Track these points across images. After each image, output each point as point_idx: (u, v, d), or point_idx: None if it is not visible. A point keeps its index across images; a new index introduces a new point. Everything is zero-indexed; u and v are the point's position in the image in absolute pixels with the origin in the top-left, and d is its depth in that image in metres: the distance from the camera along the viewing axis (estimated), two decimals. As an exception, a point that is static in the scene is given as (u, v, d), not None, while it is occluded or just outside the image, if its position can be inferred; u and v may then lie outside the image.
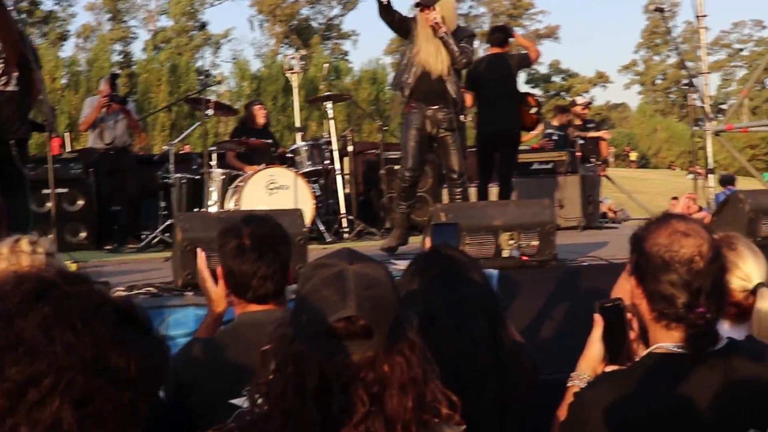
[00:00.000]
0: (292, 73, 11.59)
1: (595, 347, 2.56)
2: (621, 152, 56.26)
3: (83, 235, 10.07)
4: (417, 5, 7.59)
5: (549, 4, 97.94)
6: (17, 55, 7.06)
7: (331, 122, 9.91)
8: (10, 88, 7.09)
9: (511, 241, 5.92)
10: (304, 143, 10.07)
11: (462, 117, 7.83)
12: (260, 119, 10.81)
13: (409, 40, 7.69)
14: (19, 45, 7.10)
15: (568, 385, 2.59)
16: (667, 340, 2.40)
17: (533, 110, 9.85)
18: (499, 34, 9.99)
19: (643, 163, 62.04)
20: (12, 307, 1.19)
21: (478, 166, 9.93)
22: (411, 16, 7.74)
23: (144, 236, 9.65)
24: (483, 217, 6.01)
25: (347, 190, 10.56)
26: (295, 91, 11.77)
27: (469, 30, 8.11)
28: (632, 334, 2.52)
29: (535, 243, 5.95)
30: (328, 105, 10.01)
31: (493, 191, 10.25)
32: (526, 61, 10.22)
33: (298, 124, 11.96)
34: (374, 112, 36.27)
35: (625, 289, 2.55)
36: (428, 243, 3.62)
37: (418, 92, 7.64)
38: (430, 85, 7.57)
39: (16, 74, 7.07)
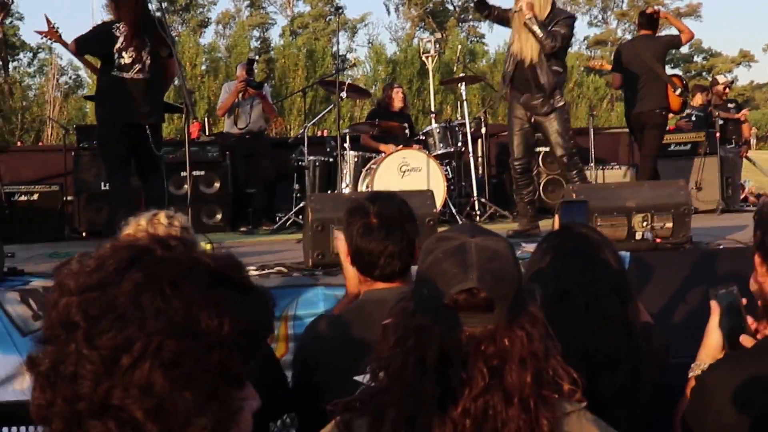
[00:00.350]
0: (428, 56, 11.55)
1: (713, 336, 2.50)
2: (765, 134, 54.54)
3: (219, 216, 10.26)
4: None
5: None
6: (144, 42, 7.37)
7: (464, 104, 9.85)
8: (142, 76, 7.37)
9: (645, 223, 5.80)
10: (436, 125, 10.05)
11: (559, 99, 7.79)
12: (398, 102, 10.86)
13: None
14: (146, 32, 7.39)
15: (689, 375, 2.53)
16: None
17: (678, 91, 9.71)
18: (645, 18, 10.03)
19: (789, 145, 60.20)
20: (106, 276, 1.22)
21: (639, 146, 10.17)
22: (510, 7, 7.88)
23: (278, 218, 9.79)
24: (616, 198, 5.90)
25: (480, 173, 10.53)
26: (431, 75, 11.75)
27: (566, 12, 8.16)
28: (750, 320, 2.45)
29: (669, 225, 5.81)
30: (462, 87, 9.96)
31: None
32: (675, 43, 10.08)
33: (433, 107, 11.96)
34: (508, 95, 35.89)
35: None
36: (557, 221, 3.56)
37: (515, 81, 7.87)
38: (523, 73, 7.73)
39: (148, 62, 7.35)
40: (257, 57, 11.76)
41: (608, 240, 2.97)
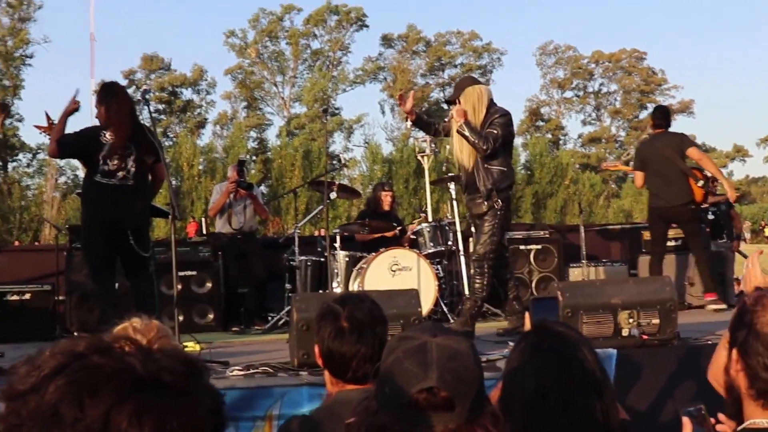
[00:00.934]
0: (423, 155, 11.64)
1: None
2: (758, 227, 54.65)
3: (211, 316, 10.24)
4: (446, 103, 8.20)
5: (682, 79, 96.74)
6: (129, 150, 7.43)
7: (454, 203, 9.92)
8: (126, 183, 7.42)
9: (631, 320, 5.81)
10: (427, 225, 10.10)
11: (494, 202, 7.77)
12: (386, 204, 10.94)
13: None
14: (133, 139, 7.48)
15: None
16: (762, 417, 2.32)
17: (700, 183, 9.96)
18: (661, 114, 10.37)
19: (783, 239, 60.27)
20: (36, 382, 1.20)
21: (651, 240, 10.36)
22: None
23: (270, 318, 9.79)
24: (601, 294, 5.92)
25: (472, 271, 10.53)
26: (427, 174, 11.83)
27: (501, 110, 7.95)
28: (722, 417, 2.48)
29: (656, 321, 5.82)
30: (452, 186, 10.04)
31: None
32: (688, 142, 10.20)
33: (429, 206, 12.03)
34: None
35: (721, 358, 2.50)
36: (527, 319, 3.58)
37: (464, 185, 8.07)
38: (466, 177, 7.95)
39: (133, 170, 7.40)
40: (247, 158, 11.81)
41: (585, 338, 2.97)
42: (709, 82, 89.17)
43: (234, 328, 9.91)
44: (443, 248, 9.94)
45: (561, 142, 63.66)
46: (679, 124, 60.55)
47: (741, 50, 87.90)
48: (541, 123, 64.08)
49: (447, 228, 10.07)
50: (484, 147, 7.60)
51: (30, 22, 52.55)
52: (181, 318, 9.62)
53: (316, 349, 3.29)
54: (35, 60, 52.20)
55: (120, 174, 7.39)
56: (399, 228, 10.68)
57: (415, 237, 10.23)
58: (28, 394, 1.19)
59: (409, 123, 8.34)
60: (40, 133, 7.99)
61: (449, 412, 1.85)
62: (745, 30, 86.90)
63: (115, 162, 7.37)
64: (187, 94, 57.73)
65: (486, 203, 7.72)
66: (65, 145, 7.54)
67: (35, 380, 1.21)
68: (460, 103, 7.76)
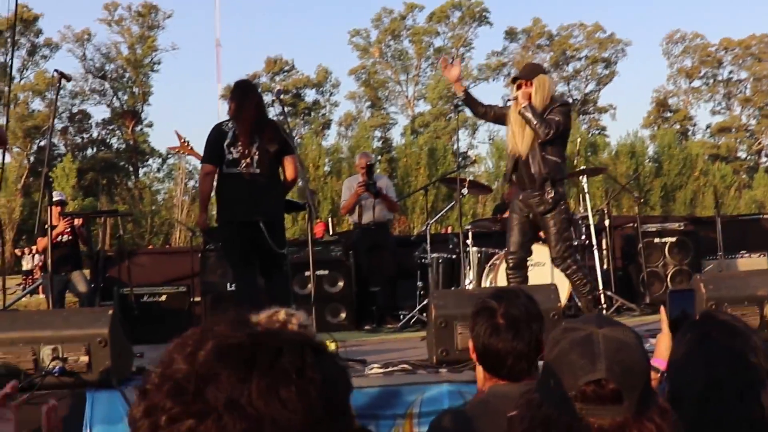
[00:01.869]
0: None
1: None
2: None
3: (343, 315, 10.26)
4: (513, 80, 7.78)
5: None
6: (252, 138, 7.55)
7: (587, 197, 9.75)
8: (251, 170, 7.52)
9: (779, 311, 5.59)
10: (560, 218, 9.97)
11: (551, 193, 7.52)
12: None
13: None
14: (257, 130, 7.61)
15: None
16: None
17: None
18: None
19: None
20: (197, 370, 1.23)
21: None
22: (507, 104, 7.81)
23: (402, 316, 9.77)
24: (746, 286, 5.70)
25: (605, 266, 10.36)
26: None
27: (562, 100, 7.84)
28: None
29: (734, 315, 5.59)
30: (584, 180, 9.88)
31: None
32: None
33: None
34: (632, 185, 35.61)
35: None
36: (663, 311, 3.45)
37: (516, 177, 7.77)
38: (520, 169, 7.66)
39: (257, 157, 7.49)
40: (373, 157, 11.72)
41: (751, 327, 2.87)
42: None
43: (366, 327, 9.92)
44: (577, 242, 9.79)
45: (690, 132, 62.31)
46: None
47: None
48: (668, 114, 62.83)
49: (580, 222, 9.92)
50: (546, 131, 7.36)
51: (158, 30, 53.91)
52: (313, 317, 9.75)
53: (470, 345, 3.24)
54: (163, 67, 53.44)
55: (244, 162, 7.52)
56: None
57: (547, 232, 10.11)
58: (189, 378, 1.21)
59: (460, 94, 7.80)
60: (174, 153, 8.21)
61: (618, 405, 1.79)
62: None
63: (239, 149, 7.51)
64: (311, 95, 58.43)
65: (544, 197, 7.50)
66: (206, 155, 7.77)
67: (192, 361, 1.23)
68: (528, 85, 7.51)
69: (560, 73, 62.25)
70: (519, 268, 7.84)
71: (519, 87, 7.56)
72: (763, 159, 62.06)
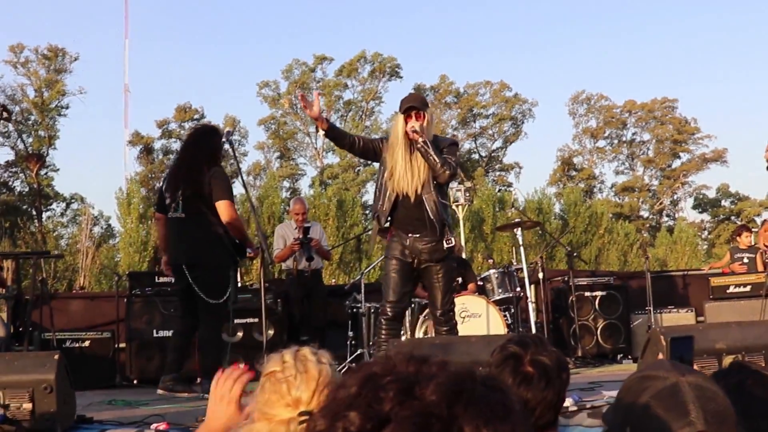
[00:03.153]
0: (458, 205, 11.50)
1: None
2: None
3: (273, 364, 10.07)
4: (405, 111, 6.88)
5: (714, 128, 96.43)
6: (176, 183, 7.72)
7: (521, 249, 9.75)
8: (177, 214, 7.67)
9: (737, 366, 5.58)
10: (494, 271, 9.94)
11: (450, 239, 6.96)
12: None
13: (381, 162, 7.09)
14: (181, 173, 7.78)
15: None
16: None
17: None
18: None
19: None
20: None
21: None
22: (377, 137, 7.42)
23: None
24: (705, 339, 5.69)
25: (538, 318, 10.36)
26: (461, 223, 11.68)
27: (449, 138, 7.39)
28: None
29: (761, 365, 5.59)
30: (518, 231, 9.88)
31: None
32: None
33: (463, 255, 11.90)
34: (548, 239, 36.07)
35: None
36: (662, 358, 3.37)
37: (396, 220, 7.03)
38: (407, 210, 6.94)
39: (181, 201, 7.55)
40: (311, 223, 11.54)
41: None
42: (742, 131, 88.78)
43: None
44: (511, 294, 9.77)
45: (595, 190, 63.37)
46: (712, 174, 60.35)
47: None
48: (573, 172, 63.86)
49: (515, 274, 9.91)
50: (448, 171, 6.79)
51: (65, 74, 53.05)
52: (241, 366, 9.51)
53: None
54: (70, 111, 52.51)
55: (172, 207, 7.71)
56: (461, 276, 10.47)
57: (482, 283, 10.06)
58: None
59: (320, 132, 6.97)
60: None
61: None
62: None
63: (168, 194, 7.77)
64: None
65: (442, 246, 6.89)
66: (157, 205, 8.11)
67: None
68: (421, 118, 6.81)
69: (467, 130, 62.90)
70: (397, 320, 7.05)
71: (408, 118, 6.85)
72: (665, 218, 63.39)
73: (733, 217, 63.17)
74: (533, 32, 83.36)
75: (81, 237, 44.71)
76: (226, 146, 7.99)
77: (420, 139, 6.72)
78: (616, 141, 64.94)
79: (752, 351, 5.61)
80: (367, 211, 41.74)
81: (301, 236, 10.13)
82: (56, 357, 4.92)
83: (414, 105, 6.91)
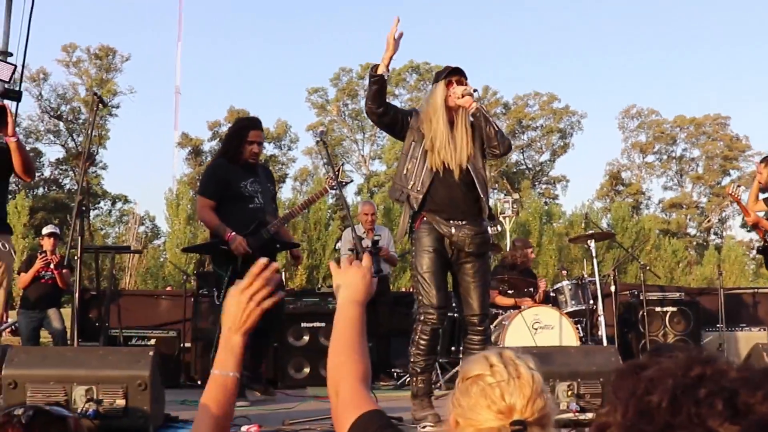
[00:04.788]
0: (505, 217, 11.36)
1: None
2: None
3: (339, 370, 9.98)
4: (447, 76, 6.04)
5: (766, 145, 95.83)
6: None
7: (594, 261, 9.58)
8: None
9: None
10: (568, 282, 9.81)
11: (493, 229, 6.21)
12: (526, 259, 10.60)
13: (413, 137, 6.06)
14: None
15: None
16: None
17: None
18: None
19: None
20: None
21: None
22: (414, 108, 6.31)
23: (395, 374, 9.60)
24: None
25: (607, 332, 10.20)
26: (508, 235, 11.55)
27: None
28: None
29: None
30: (591, 243, 9.70)
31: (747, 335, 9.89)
32: None
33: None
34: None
35: None
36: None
37: (433, 202, 5.98)
38: (449, 190, 5.96)
39: None
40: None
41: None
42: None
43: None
44: (584, 307, 9.62)
45: (642, 206, 62.89)
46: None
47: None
48: (621, 187, 63.38)
49: (587, 286, 9.75)
50: (508, 141, 6.05)
51: (116, 73, 53.43)
52: (307, 370, 9.44)
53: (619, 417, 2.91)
54: (120, 110, 52.88)
55: None
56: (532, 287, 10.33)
57: (554, 295, 9.92)
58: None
59: (381, 70, 5.79)
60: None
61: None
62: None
63: None
64: (269, 148, 58.07)
65: (489, 235, 6.07)
66: None
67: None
68: (466, 84, 6.02)
69: (515, 141, 62.68)
70: (440, 326, 6.09)
71: (450, 85, 6.05)
72: (712, 237, 62.75)
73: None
74: (583, 44, 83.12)
75: (128, 237, 44.96)
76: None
77: (475, 104, 5.92)
78: (665, 156, 64.44)
79: None
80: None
81: (371, 247, 10.01)
82: (151, 353, 4.83)
83: (459, 69, 6.09)
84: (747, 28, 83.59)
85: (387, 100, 6.05)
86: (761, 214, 9.11)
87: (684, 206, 62.67)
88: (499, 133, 5.97)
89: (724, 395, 1.03)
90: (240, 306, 2.43)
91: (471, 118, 6.04)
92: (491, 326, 9.21)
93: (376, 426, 2.18)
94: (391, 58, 5.81)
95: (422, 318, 5.96)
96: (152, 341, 9.57)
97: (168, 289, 20.14)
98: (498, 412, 2.01)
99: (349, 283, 2.55)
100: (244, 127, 7.84)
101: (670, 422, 1.04)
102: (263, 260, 2.44)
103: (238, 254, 7.37)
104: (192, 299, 10.13)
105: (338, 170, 7.46)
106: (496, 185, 58.15)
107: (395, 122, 6.09)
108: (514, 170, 61.16)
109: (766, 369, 1.08)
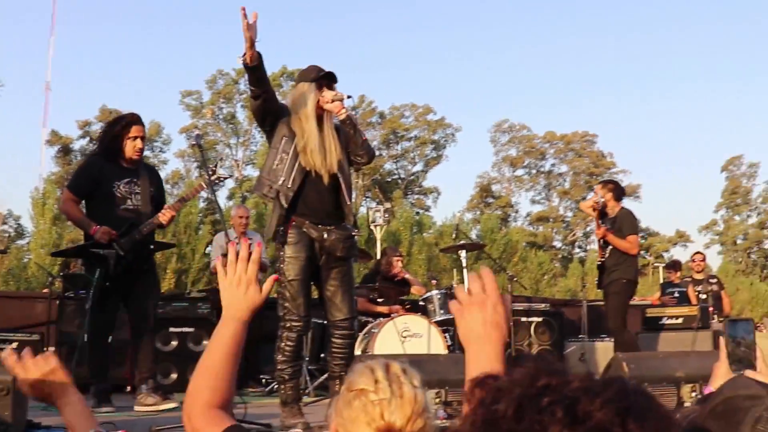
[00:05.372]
0: (376, 226, 11.47)
1: None
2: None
3: (208, 375, 9.91)
4: (321, 78, 5.97)
5: (630, 163, 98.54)
6: None
7: (464, 271, 9.72)
8: None
9: (694, 393, 5.66)
10: (437, 291, 9.92)
11: (355, 234, 6.04)
12: (396, 268, 10.69)
13: (284, 132, 5.94)
14: None
15: None
16: None
17: None
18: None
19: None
20: None
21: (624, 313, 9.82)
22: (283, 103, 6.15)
23: (264, 380, 9.60)
24: (665, 367, 5.77)
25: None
26: (378, 243, 11.67)
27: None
28: None
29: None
30: (462, 253, 9.86)
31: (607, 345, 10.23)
32: None
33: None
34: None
35: None
36: (722, 342, 3.32)
37: (304, 205, 5.90)
38: (320, 195, 5.91)
39: None
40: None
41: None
42: (656, 169, 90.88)
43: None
44: (452, 316, 9.74)
45: (510, 218, 64.03)
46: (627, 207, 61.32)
47: (687, 140, 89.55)
48: (491, 199, 64.44)
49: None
50: (373, 151, 6.16)
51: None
52: (175, 375, 9.35)
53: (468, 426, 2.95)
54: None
55: None
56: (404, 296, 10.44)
57: (424, 304, 10.03)
58: None
59: (246, 58, 5.50)
60: None
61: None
62: (689, 120, 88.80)
63: None
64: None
65: (356, 240, 6.00)
66: None
67: None
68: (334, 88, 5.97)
69: (389, 151, 63.06)
70: (304, 335, 6.18)
71: (320, 90, 5.96)
72: (576, 250, 64.30)
73: (642, 252, 64.34)
74: (462, 58, 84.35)
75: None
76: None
77: (344, 110, 5.86)
78: (534, 171, 65.81)
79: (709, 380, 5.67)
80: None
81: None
82: (13, 356, 4.69)
83: (332, 75, 6.01)
84: (615, 47, 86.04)
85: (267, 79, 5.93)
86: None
87: (551, 219, 64.07)
88: (365, 143, 6.01)
89: (564, 403, 1.08)
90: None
91: (337, 122, 6.01)
92: (360, 333, 9.29)
93: None
94: (251, 48, 5.50)
95: (287, 325, 5.96)
96: (14, 344, 9.31)
97: (31, 290, 19.58)
98: (377, 429, 2.04)
99: (231, 299, 2.54)
100: (126, 123, 7.59)
101: (514, 429, 1.08)
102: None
103: (102, 241, 7.22)
104: (57, 302, 9.90)
105: (214, 168, 7.35)
106: (369, 194, 58.43)
107: (271, 111, 5.99)
108: (388, 179, 61.52)
109: (608, 379, 1.13)
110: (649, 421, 1.08)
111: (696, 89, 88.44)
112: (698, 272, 13.82)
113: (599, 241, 9.63)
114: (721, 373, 2.44)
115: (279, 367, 6.02)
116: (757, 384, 1.90)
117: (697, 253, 14.37)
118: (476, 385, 1.19)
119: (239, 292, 2.51)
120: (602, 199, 9.59)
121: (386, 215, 22.69)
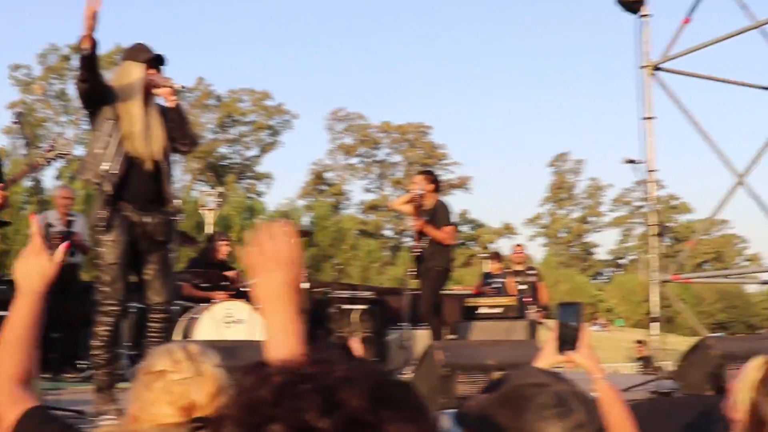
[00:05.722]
0: (207, 209, 11.33)
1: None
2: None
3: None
4: (152, 60, 5.83)
5: (462, 156, 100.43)
6: None
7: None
8: None
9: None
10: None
11: (176, 219, 6.05)
12: (222, 253, 10.56)
13: (108, 115, 5.71)
14: None
15: None
16: None
17: None
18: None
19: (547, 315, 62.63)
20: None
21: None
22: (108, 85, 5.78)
23: (81, 366, 9.40)
24: (477, 355, 5.93)
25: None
26: (208, 228, 11.54)
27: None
28: None
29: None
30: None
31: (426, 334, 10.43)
32: None
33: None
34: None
35: None
36: (553, 324, 3.45)
37: (127, 190, 5.76)
38: (142, 180, 5.80)
39: None
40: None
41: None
42: (486, 162, 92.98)
43: (44, 375, 9.30)
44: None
45: (342, 206, 64.41)
46: (456, 198, 62.63)
47: (517, 136, 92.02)
48: (324, 187, 64.66)
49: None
50: (196, 143, 6.23)
51: None
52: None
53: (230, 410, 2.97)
54: None
55: None
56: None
57: (248, 290, 9.97)
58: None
59: (86, 46, 5.24)
60: None
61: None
62: (521, 117, 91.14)
63: None
64: (-36, 125, 55.17)
65: (174, 226, 5.97)
66: None
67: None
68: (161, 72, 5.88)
69: (224, 135, 62.49)
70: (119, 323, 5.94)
71: (150, 71, 5.80)
72: (406, 239, 65.18)
73: (469, 242, 65.71)
74: (302, 45, 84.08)
75: None
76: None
77: (174, 98, 5.79)
78: (368, 160, 66.33)
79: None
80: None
81: (65, 229, 9.72)
82: None
83: (161, 56, 5.87)
84: (453, 43, 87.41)
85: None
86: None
87: (382, 208, 64.76)
88: (190, 132, 5.98)
89: (323, 391, 1.12)
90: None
91: (164, 107, 5.89)
92: (182, 318, 9.19)
93: (37, 422, 2.17)
94: (90, 36, 5.26)
95: (105, 309, 5.73)
96: None
97: None
98: (180, 408, 2.04)
99: (26, 272, 2.50)
100: None
101: (272, 414, 1.11)
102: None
103: None
104: None
105: (53, 144, 7.04)
106: (202, 177, 57.80)
107: (99, 92, 5.68)
108: (222, 163, 60.98)
109: (373, 369, 1.19)
110: (403, 410, 1.13)
111: (528, 88, 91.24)
112: (518, 263, 14.18)
113: (416, 233, 9.71)
114: (548, 353, 2.57)
115: (94, 353, 5.79)
116: (542, 373, 1.99)
117: (518, 244, 14.75)
118: (245, 372, 1.22)
119: (29, 264, 2.48)
120: (422, 191, 9.66)
121: (218, 199, 22.44)
